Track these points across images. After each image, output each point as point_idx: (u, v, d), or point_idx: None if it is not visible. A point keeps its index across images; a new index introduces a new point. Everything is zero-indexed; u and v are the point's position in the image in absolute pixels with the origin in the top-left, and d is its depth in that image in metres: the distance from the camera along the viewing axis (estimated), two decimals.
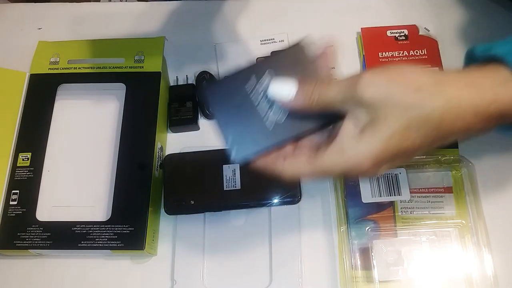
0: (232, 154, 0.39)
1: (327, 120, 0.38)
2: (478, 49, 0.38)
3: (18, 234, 0.51)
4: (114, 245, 0.50)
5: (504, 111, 0.34)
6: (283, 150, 0.39)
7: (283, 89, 0.38)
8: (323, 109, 0.37)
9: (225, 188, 0.53)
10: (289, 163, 0.38)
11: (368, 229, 0.53)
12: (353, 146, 0.35)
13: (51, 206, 0.54)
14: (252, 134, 0.39)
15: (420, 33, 0.63)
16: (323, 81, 0.37)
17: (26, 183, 0.54)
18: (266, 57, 0.60)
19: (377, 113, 0.34)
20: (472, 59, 0.39)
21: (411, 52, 0.62)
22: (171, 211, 0.54)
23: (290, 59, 0.40)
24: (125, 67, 0.59)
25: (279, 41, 0.64)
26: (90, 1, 0.85)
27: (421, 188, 0.54)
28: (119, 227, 0.51)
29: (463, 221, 0.53)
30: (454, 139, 0.36)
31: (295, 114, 0.38)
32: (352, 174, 0.37)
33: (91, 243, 0.51)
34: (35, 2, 0.70)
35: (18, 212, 0.52)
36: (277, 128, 0.39)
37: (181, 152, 0.56)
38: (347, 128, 0.36)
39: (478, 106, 0.34)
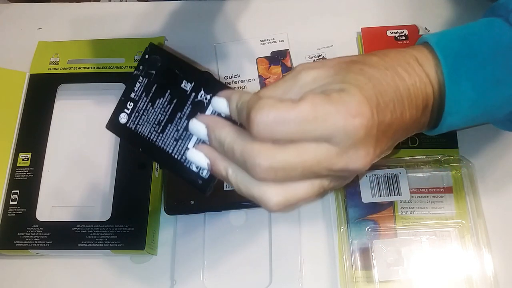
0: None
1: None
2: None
3: (18, 234, 0.51)
4: (114, 245, 0.50)
5: (425, 90, 0.35)
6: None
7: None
8: None
9: (225, 188, 0.53)
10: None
11: (368, 229, 0.53)
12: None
13: (51, 206, 0.54)
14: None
15: (420, 33, 0.63)
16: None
17: (26, 183, 0.54)
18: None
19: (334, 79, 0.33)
20: None
21: None
22: (171, 211, 0.54)
23: None
24: (125, 67, 0.59)
25: (279, 41, 0.64)
26: (90, 1, 0.84)
27: (421, 188, 0.54)
28: (119, 227, 0.51)
29: (463, 221, 0.53)
30: (402, 138, 0.37)
31: None
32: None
33: (91, 243, 0.51)
34: (35, 2, 0.70)
35: (18, 212, 0.52)
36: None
37: None
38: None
39: (410, 86, 0.34)
